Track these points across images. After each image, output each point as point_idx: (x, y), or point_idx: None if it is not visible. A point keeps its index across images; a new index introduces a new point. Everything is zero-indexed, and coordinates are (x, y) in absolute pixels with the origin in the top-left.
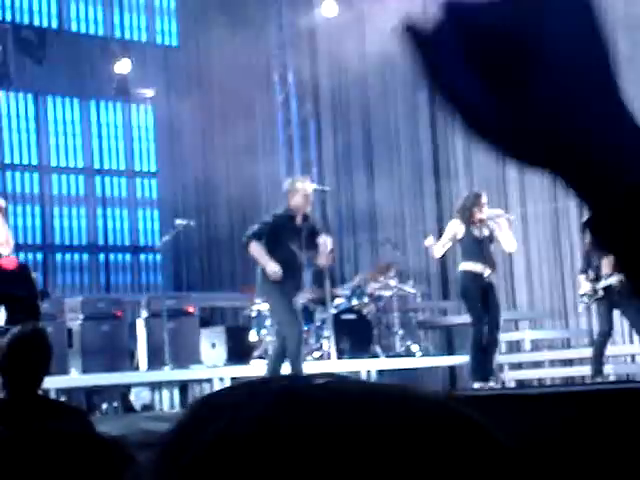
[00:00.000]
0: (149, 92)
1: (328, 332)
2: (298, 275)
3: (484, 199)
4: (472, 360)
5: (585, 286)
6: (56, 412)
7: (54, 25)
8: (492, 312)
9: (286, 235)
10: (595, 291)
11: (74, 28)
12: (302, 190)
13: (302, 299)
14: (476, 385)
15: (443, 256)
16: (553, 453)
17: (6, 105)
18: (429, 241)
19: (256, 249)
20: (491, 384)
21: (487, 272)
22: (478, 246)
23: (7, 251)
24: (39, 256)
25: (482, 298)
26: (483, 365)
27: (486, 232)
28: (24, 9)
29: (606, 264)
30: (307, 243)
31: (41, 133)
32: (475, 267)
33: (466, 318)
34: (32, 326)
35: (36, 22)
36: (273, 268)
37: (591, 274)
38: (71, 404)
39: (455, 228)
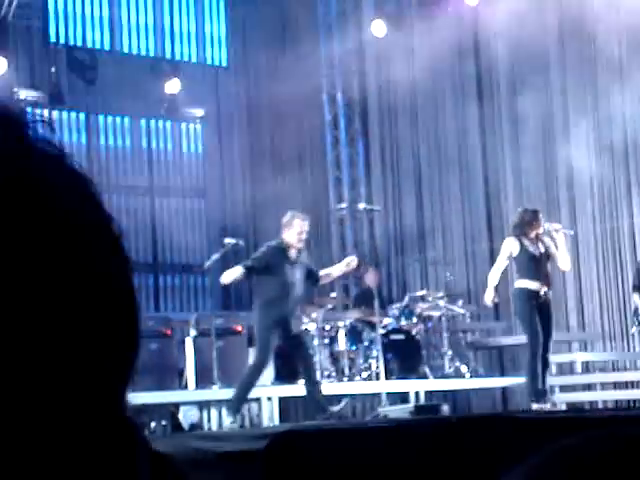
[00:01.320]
0: (198, 112)
1: (376, 352)
2: (287, 306)
3: (539, 216)
4: (531, 380)
5: None
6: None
7: (106, 46)
8: (547, 331)
9: (277, 267)
10: None
11: (125, 49)
12: (297, 227)
13: (349, 319)
14: (535, 406)
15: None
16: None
17: (59, 124)
18: (489, 297)
19: (228, 273)
20: (548, 405)
21: (543, 290)
22: (534, 263)
23: None
24: None
25: (539, 316)
26: (540, 386)
27: (542, 249)
28: (77, 30)
29: None
30: (304, 278)
31: (92, 152)
32: (531, 285)
33: (516, 339)
34: None
35: (89, 43)
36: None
37: None
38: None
39: (510, 246)
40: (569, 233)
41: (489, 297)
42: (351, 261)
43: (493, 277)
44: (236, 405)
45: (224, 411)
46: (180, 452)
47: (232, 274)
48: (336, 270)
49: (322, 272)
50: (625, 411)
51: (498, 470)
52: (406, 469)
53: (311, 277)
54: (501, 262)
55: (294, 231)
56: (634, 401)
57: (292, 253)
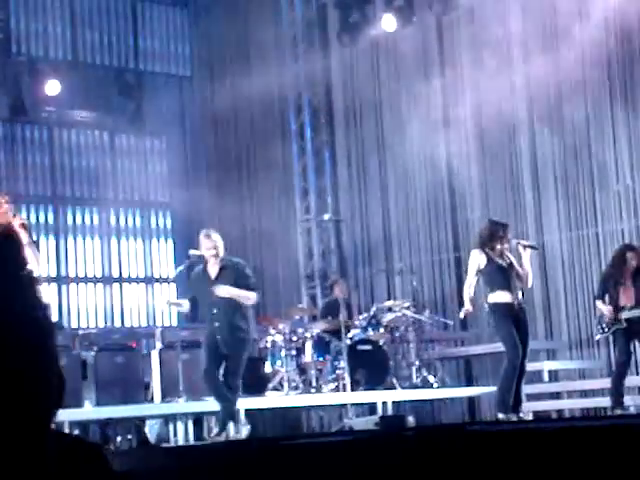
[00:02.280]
0: (162, 123)
1: (344, 363)
2: (213, 321)
3: (508, 231)
4: (503, 391)
5: (607, 312)
6: (70, 447)
7: (68, 56)
8: (523, 341)
9: (200, 287)
10: (618, 320)
11: (89, 59)
12: (202, 244)
13: (316, 329)
14: (501, 416)
15: (461, 286)
16: None
17: (21, 136)
18: (463, 312)
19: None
20: (521, 415)
21: (516, 300)
22: (503, 274)
23: (37, 270)
24: (53, 288)
25: (516, 327)
26: (512, 396)
27: (507, 259)
28: (39, 40)
29: (626, 295)
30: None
31: (55, 164)
32: (504, 297)
33: (484, 348)
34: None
35: (51, 53)
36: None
37: (608, 301)
38: (86, 438)
39: (477, 259)
40: (535, 249)
41: (467, 305)
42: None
43: (467, 293)
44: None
45: (190, 425)
46: (145, 466)
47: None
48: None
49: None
50: (583, 421)
51: None
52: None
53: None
54: (471, 277)
55: (203, 248)
56: (601, 409)
57: (213, 271)
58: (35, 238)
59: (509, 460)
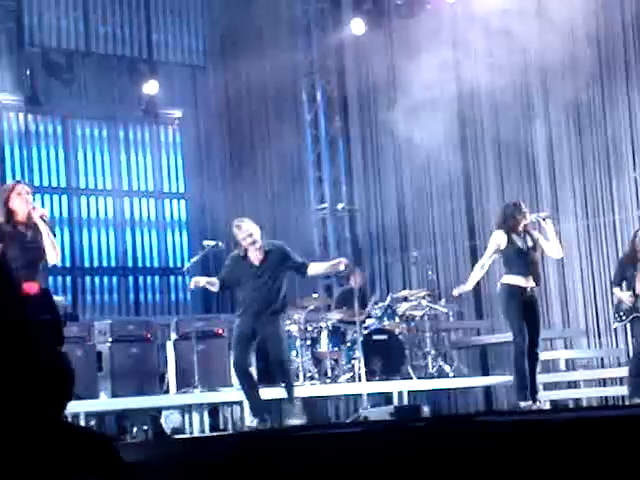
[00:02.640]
0: (177, 113)
1: (359, 353)
2: (258, 311)
3: (524, 207)
4: (517, 378)
5: (626, 299)
6: (80, 439)
7: (81, 47)
8: (534, 328)
9: (242, 274)
10: (636, 308)
11: (101, 50)
12: (241, 233)
13: (331, 319)
14: (522, 404)
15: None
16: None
17: (35, 128)
18: (459, 290)
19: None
20: (538, 404)
21: (530, 286)
22: (522, 257)
23: (54, 259)
24: (68, 279)
25: (524, 313)
26: (527, 383)
27: (530, 242)
28: (52, 31)
29: None
30: (277, 273)
31: (69, 155)
32: (518, 280)
33: (500, 337)
34: (53, 352)
35: (64, 44)
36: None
37: (626, 287)
38: (97, 430)
39: (498, 239)
40: (550, 218)
41: (460, 290)
42: (340, 262)
43: (477, 272)
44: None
45: (206, 415)
46: (161, 457)
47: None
48: (324, 267)
49: (312, 267)
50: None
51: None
52: (375, 473)
53: (298, 271)
54: (487, 256)
55: (240, 237)
56: (618, 398)
57: (254, 259)
58: (54, 230)
59: (518, 451)
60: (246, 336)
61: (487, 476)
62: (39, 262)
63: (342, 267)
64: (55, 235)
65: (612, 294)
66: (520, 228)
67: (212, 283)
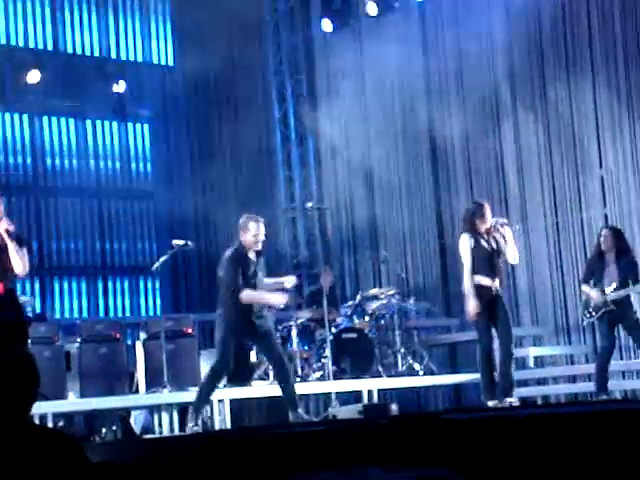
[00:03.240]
0: (145, 112)
1: (328, 352)
2: (253, 310)
3: (486, 209)
4: (483, 377)
5: (594, 296)
6: (45, 440)
7: (49, 47)
8: (503, 326)
9: (246, 270)
10: (606, 303)
11: (69, 49)
12: (253, 230)
13: (301, 318)
14: (490, 403)
15: (445, 273)
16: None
17: (2, 125)
18: (473, 307)
19: (251, 295)
20: (511, 400)
21: (495, 286)
22: (488, 259)
23: (20, 271)
24: (36, 279)
25: (490, 313)
26: (494, 382)
27: (493, 244)
28: (19, 31)
29: (609, 277)
30: (261, 279)
31: (37, 154)
32: (484, 281)
33: (470, 335)
34: (17, 351)
35: (31, 44)
36: (279, 298)
37: (593, 284)
38: (58, 429)
39: (467, 242)
40: (514, 228)
41: (473, 307)
42: (290, 281)
43: (468, 283)
44: (195, 409)
45: (175, 415)
46: (129, 457)
47: (257, 296)
48: (276, 283)
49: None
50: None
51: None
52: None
53: None
54: (468, 261)
55: (250, 234)
56: (587, 394)
57: (251, 255)
58: (22, 238)
59: (484, 447)
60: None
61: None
62: (7, 265)
63: (287, 285)
64: (26, 244)
65: (581, 291)
66: (483, 230)
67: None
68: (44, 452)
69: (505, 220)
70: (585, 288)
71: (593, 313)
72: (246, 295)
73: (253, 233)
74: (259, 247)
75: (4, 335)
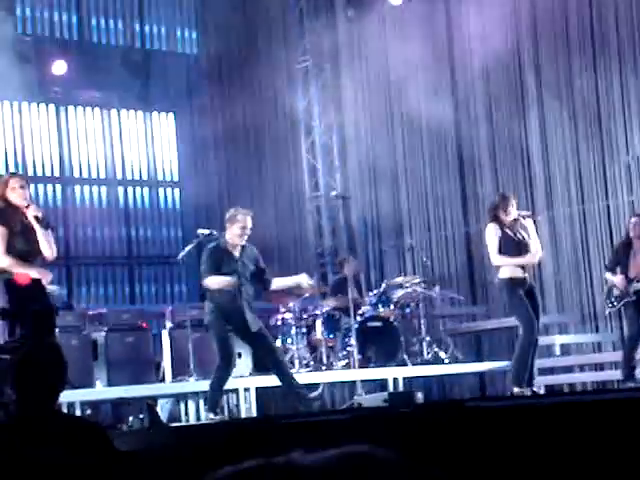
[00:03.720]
0: (170, 101)
1: (354, 340)
2: (240, 306)
3: (511, 201)
4: (520, 365)
5: (618, 283)
6: (72, 428)
7: (75, 37)
8: (535, 316)
9: (224, 267)
10: (627, 293)
11: (95, 39)
12: (240, 222)
13: (326, 307)
14: (516, 390)
15: (471, 261)
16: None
17: (28, 116)
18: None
19: (213, 279)
20: (534, 389)
21: (528, 275)
22: (516, 249)
23: (49, 256)
24: (63, 269)
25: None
26: (527, 370)
27: (519, 236)
28: (45, 21)
29: (636, 266)
30: (251, 275)
31: (62, 144)
32: (517, 272)
33: (495, 323)
34: (45, 341)
35: (57, 34)
36: (231, 282)
37: (620, 272)
38: (88, 419)
39: (494, 231)
40: (538, 219)
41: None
42: (306, 281)
43: (500, 260)
44: (212, 401)
45: (202, 404)
46: (158, 445)
47: (216, 280)
48: (289, 282)
49: (276, 281)
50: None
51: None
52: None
53: (261, 280)
54: (494, 247)
55: (237, 226)
56: (614, 382)
57: (235, 251)
58: (49, 224)
59: (508, 435)
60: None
61: (474, 459)
62: (34, 254)
63: (305, 285)
64: (53, 229)
65: (605, 279)
66: (508, 222)
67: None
68: (72, 440)
69: (528, 212)
70: (609, 276)
71: (616, 302)
72: (209, 280)
73: (241, 225)
74: (243, 241)
75: (33, 325)
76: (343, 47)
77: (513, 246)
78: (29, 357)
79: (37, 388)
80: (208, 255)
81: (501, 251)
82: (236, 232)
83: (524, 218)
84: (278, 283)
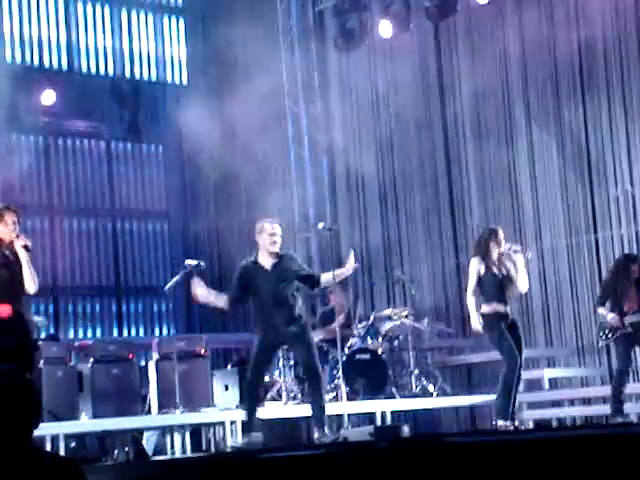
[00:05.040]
0: (159, 131)
1: (341, 372)
2: (278, 318)
3: (501, 235)
4: (504, 399)
5: (611, 319)
6: (45, 465)
7: (64, 66)
8: (519, 350)
9: (256, 281)
10: (623, 326)
11: (84, 69)
12: (269, 230)
13: (314, 339)
14: (501, 423)
15: (461, 292)
16: None
17: (17, 147)
18: (475, 323)
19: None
20: (516, 423)
21: (509, 311)
22: (498, 285)
23: (32, 289)
24: (49, 300)
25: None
26: (510, 404)
27: (504, 270)
28: (34, 49)
29: (629, 301)
30: (299, 279)
31: (51, 173)
32: (499, 308)
33: (484, 356)
34: (17, 377)
35: (46, 64)
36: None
37: (610, 307)
38: (62, 455)
39: (476, 266)
40: (528, 255)
41: (475, 323)
42: (351, 263)
43: (470, 301)
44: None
45: (187, 436)
46: (141, 478)
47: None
48: (336, 274)
49: (324, 277)
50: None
51: None
52: None
53: (306, 281)
54: (472, 284)
55: (266, 234)
56: (602, 417)
57: (267, 265)
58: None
59: (485, 471)
60: (266, 350)
61: None
62: (17, 285)
63: (351, 269)
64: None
65: (595, 313)
66: (495, 255)
67: (219, 298)
68: (45, 477)
69: (518, 247)
70: (601, 310)
71: (609, 335)
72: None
73: (269, 232)
74: (276, 248)
75: (7, 360)
76: (333, 79)
77: (495, 283)
78: (1, 393)
79: (8, 425)
80: (235, 274)
81: (482, 288)
82: (267, 241)
83: (514, 252)
84: (327, 277)
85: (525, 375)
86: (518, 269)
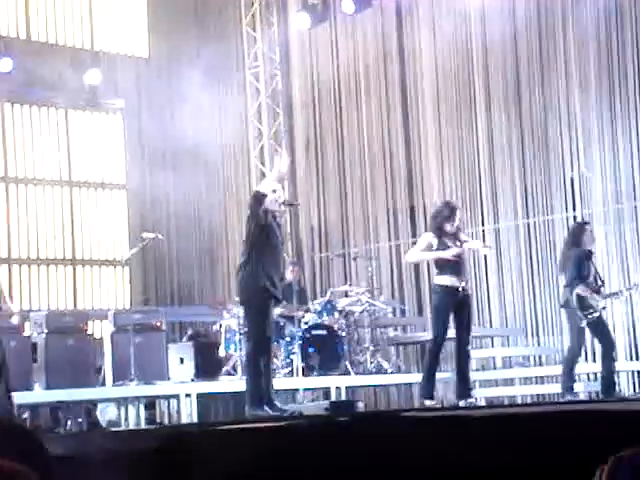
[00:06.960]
0: (119, 103)
1: (297, 348)
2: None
3: (454, 209)
4: (428, 376)
5: (596, 295)
6: (3, 431)
7: (22, 35)
8: (467, 327)
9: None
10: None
11: (42, 38)
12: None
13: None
14: (428, 402)
15: (417, 271)
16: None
17: None
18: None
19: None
20: (471, 401)
21: (462, 285)
22: (454, 262)
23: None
24: (4, 269)
25: (455, 313)
26: (434, 382)
27: (458, 244)
28: None
29: (594, 275)
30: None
31: (7, 143)
32: (451, 280)
33: None
34: None
35: (3, 32)
36: None
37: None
38: (16, 421)
39: (428, 240)
40: (488, 250)
41: (453, 252)
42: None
43: (412, 256)
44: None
45: (142, 408)
46: (94, 449)
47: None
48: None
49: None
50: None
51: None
52: (297, 468)
53: None
54: (414, 249)
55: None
56: (554, 395)
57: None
58: None
59: (443, 445)
60: None
61: (409, 468)
62: None
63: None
64: None
65: (559, 293)
66: (450, 231)
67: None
68: (2, 444)
69: (488, 247)
70: (581, 289)
71: (594, 313)
72: None
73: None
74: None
75: None
76: (295, 55)
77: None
78: None
79: None
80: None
81: (437, 261)
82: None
83: (475, 249)
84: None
85: (478, 354)
86: (469, 242)
